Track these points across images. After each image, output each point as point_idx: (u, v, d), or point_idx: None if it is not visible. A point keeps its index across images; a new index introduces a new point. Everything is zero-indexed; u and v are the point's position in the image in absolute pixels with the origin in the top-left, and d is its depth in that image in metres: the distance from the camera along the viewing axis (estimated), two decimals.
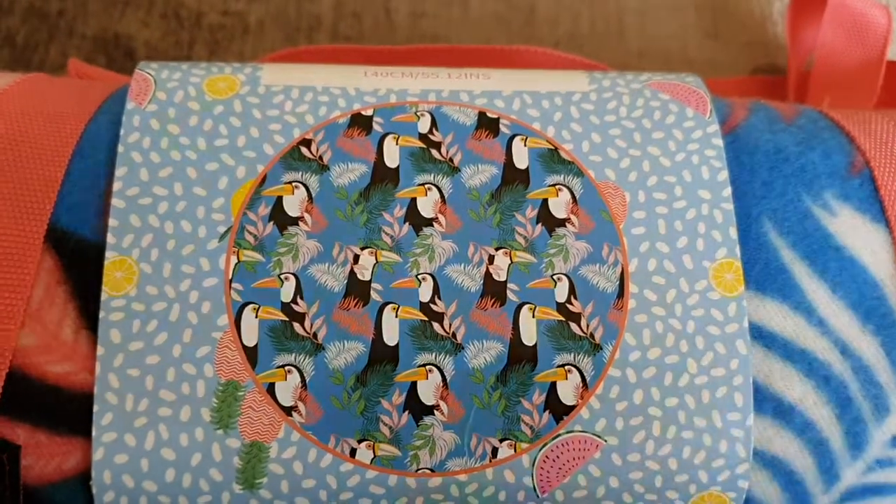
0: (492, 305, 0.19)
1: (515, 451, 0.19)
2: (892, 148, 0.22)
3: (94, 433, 0.18)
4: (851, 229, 0.21)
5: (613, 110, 0.22)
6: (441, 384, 0.19)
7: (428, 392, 0.19)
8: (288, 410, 0.19)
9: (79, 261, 0.19)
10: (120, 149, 0.20)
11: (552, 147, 0.21)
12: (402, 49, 0.31)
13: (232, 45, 0.33)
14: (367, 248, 0.20)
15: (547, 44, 0.33)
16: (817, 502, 0.20)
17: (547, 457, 0.19)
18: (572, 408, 0.19)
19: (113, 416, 0.18)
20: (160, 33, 0.33)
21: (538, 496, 0.19)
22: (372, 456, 0.19)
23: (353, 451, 0.19)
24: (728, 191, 0.20)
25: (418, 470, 0.19)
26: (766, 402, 0.20)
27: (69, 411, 0.19)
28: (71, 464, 0.19)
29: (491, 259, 0.20)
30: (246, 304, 0.19)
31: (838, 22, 0.29)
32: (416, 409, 0.19)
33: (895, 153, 0.22)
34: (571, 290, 0.20)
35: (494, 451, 0.19)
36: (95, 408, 0.18)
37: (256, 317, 0.19)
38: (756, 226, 0.21)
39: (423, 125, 0.21)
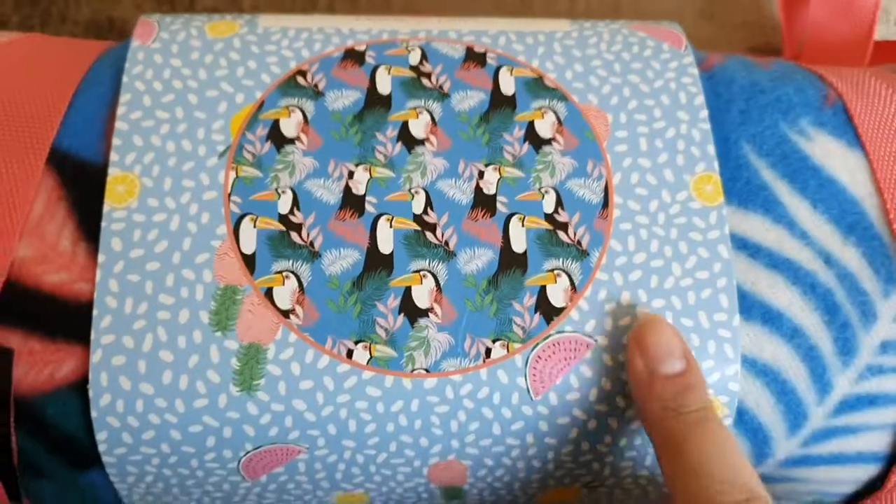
0: (482, 216, 0.21)
1: (508, 351, 0.20)
2: (863, 87, 0.25)
3: (92, 335, 0.20)
4: (828, 153, 0.23)
5: (594, 45, 0.24)
6: (435, 288, 0.20)
7: (422, 296, 0.20)
8: (286, 313, 0.20)
9: (80, 179, 0.22)
10: (124, 79, 0.22)
11: (537, 76, 0.23)
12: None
13: None
14: (361, 164, 0.22)
15: None
16: (812, 413, 0.22)
17: (539, 357, 0.20)
18: (562, 309, 0.20)
19: (112, 319, 0.20)
20: None
21: (532, 399, 0.20)
22: (368, 357, 0.20)
23: (349, 353, 0.20)
24: (704, 113, 0.23)
25: (414, 370, 0.20)
26: (754, 309, 0.21)
27: (64, 319, 0.20)
28: (63, 372, 0.20)
29: (481, 174, 0.22)
30: (244, 214, 0.21)
31: (827, 1, 0.31)
32: (411, 311, 0.20)
33: (865, 90, 0.25)
34: (558, 202, 0.21)
35: (488, 351, 0.20)
36: (95, 311, 0.20)
37: (255, 226, 0.21)
38: (735, 148, 0.23)
39: (414, 58, 0.23)
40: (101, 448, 0.20)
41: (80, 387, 0.20)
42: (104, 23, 0.36)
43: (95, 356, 0.20)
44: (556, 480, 0.22)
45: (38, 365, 0.20)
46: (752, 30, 0.36)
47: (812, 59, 0.32)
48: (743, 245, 0.22)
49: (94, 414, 0.20)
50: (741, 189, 0.23)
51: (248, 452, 0.21)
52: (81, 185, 0.22)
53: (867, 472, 0.23)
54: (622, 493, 0.23)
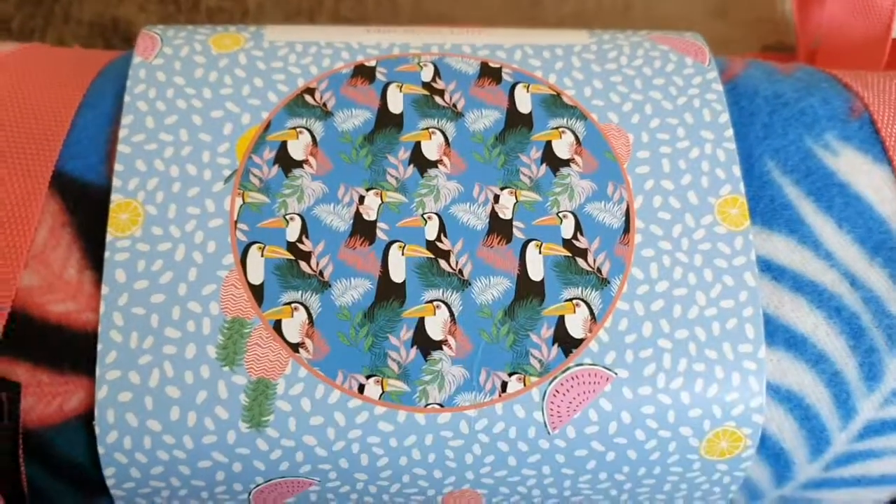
0: (498, 243, 0.20)
1: (525, 385, 0.19)
2: (889, 96, 0.23)
3: (97, 371, 0.19)
4: (854, 168, 0.22)
5: (614, 59, 0.23)
6: (449, 319, 0.20)
7: (436, 327, 0.20)
8: (295, 347, 0.19)
9: (84, 204, 0.20)
10: (126, 98, 0.21)
11: (554, 93, 0.22)
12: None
13: None
14: (372, 189, 0.21)
15: (552, 23, 0.35)
16: (835, 439, 0.21)
17: (557, 390, 0.19)
18: (581, 341, 0.20)
19: (117, 354, 0.19)
20: (158, 17, 0.34)
21: (549, 433, 0.19)
22: (380, 391, 0.19)
23: (361, 387, 0.19)
24: (730, 132, 0.22)
25: (427, 405, 0.19)
26: (778, 334, 0.20)
27: (72, 350, 0.20)
28: (73, 404, 0.19)
29: (496, 198, 0.21)
30: (251, 243, 0.20)
31: None
32: (425, 344, 0.19)
33: (892, 100, 0.23)
34: (577, 227, 0.20)
35: (504, 385, 0.19)
36: (99, 346, 0.19)
37: (262, 255, 0.20)
38: (759, 165, 0.22)
39: (427, 74, 0.22)
40: (110, 482, 0.20)
41: (88, 419, 0.19)
42: (108, 23, 0.35)
43: (101, 392, 0.19)
44: None
45: (47, 397, 0.19)
46: (765, 28, 0.35)
47: (828, 59, 0.31)
48: (767, 267, 0.21)
49: (101, 451, 0.19)
50: (765, 208, 0.22)
51: (258, 485, 0.20)
52: (86, 209, 0.20)
53: (890, 492, 0.22)
54: None
